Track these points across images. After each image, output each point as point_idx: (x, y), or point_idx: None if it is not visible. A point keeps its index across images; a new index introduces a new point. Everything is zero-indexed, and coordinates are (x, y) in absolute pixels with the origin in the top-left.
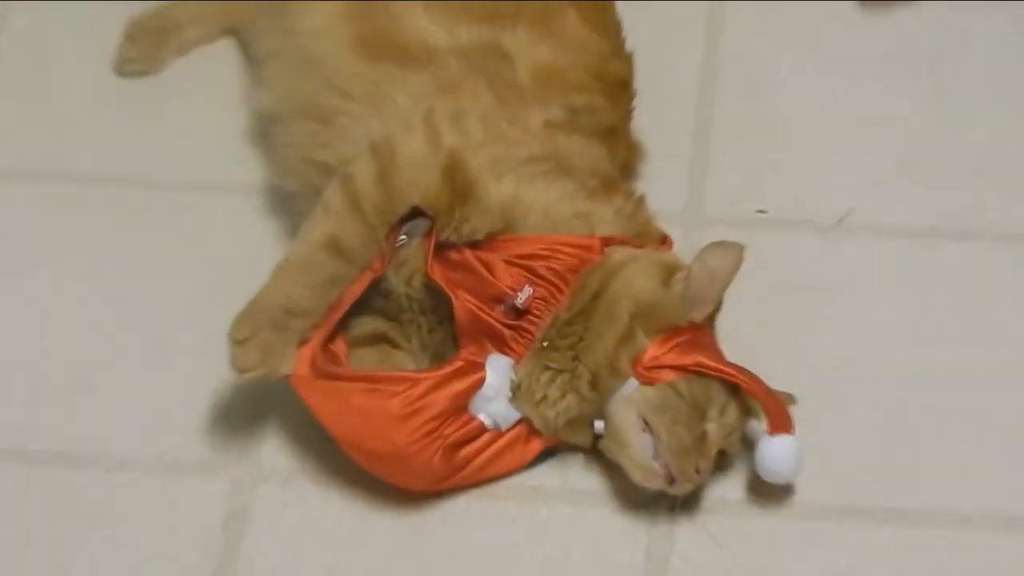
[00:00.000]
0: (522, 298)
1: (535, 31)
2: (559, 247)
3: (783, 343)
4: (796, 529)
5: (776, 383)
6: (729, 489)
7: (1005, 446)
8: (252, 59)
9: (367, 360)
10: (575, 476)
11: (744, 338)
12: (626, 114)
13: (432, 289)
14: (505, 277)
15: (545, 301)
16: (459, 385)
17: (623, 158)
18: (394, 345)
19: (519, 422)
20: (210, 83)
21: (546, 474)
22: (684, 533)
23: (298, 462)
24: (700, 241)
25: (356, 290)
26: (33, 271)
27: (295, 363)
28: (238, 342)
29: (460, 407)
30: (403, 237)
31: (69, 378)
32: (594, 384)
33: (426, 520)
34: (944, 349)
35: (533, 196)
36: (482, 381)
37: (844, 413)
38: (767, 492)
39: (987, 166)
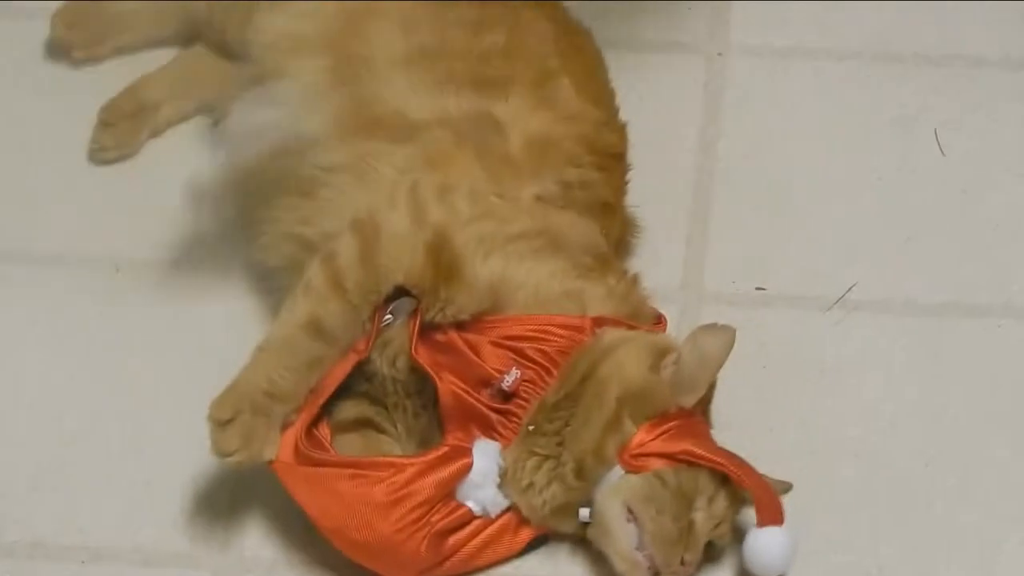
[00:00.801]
0: (509, 381)
1: (528, 100)
2: (549, 328)
3: (784, 426)
4: None
5: (776, 468)
6: None
7: None
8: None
9: (352, 446)
10: (564, 565)
11: (743, 421)
12: (620, 188)
13: (417, 371)
14: (492, 359)
15: (533, 384)
16: (445, 471)
17: (617, 233)
18: (379, 430)
19: (509, 509)
20: (180, 161)
21: (537, 563)
22: None
23: (282, 553)
24: (697, 319)
25: (340, 372)
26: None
27: (278, 448)
28: (219, 425)
29: (447, 494)
30: (388, 317)
31: (41, 466)
32: (579, 471)
33: None
34: (957, 434)
35: (522, 275)
36: (469, 467)
37: (847, 501)
38: None
39: (1003, 237)
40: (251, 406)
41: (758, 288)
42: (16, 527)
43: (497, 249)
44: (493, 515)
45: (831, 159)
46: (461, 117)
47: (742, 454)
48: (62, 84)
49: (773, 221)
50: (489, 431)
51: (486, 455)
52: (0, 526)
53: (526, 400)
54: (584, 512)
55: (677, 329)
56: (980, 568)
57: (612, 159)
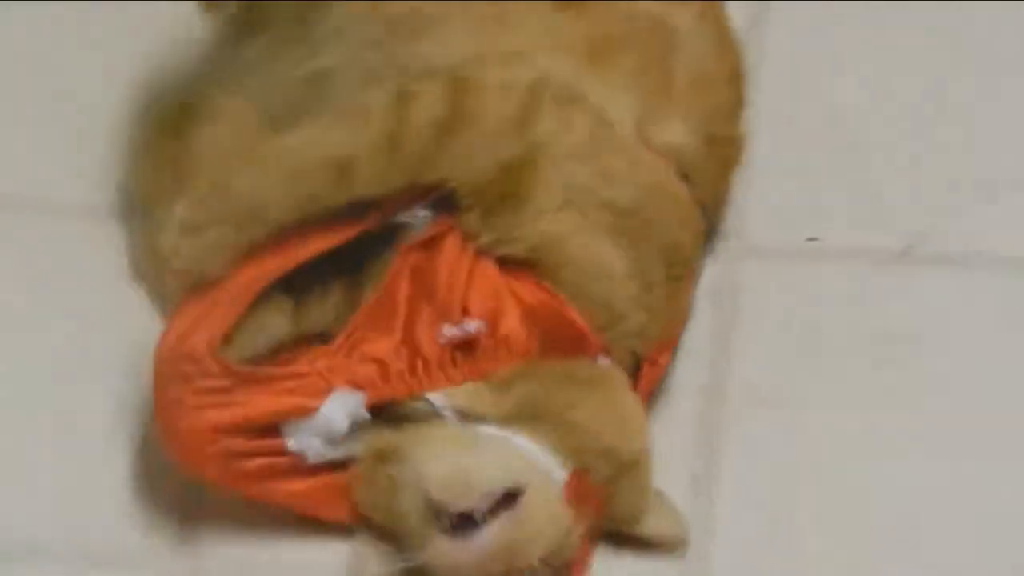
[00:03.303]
0: (470, 328)
1: (701, 15)
2: (562, 314)
3: (842, 404)
4: None
5: (832, 459)
6: None
7: None
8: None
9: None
10: None
11: (793, 397)
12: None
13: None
14: (476, 299)
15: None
16: (286, 403)
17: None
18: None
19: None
20: None
21: None
22: None
23: (244, 551)
24: (740, 276)
25: (328, 243)
26: None
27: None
28: (187, 228)
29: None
30: (424, 214)
31: None
32: None
33: None
34: None
35: (580, 251)
36: (309, 413)
37: (928, 501)
38: None
39: None
40: (232, 217)
41: (810, 239)
42: None
43: (578, 206)
44: (309, 461)
45: (895, 86)
46: (638, 12)
47: (791, 437)
48: None
49: (827, 160)
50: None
51: (341, 408)
52: None
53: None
54: None
55: (718, 288)
56: None
57: (745, 104)
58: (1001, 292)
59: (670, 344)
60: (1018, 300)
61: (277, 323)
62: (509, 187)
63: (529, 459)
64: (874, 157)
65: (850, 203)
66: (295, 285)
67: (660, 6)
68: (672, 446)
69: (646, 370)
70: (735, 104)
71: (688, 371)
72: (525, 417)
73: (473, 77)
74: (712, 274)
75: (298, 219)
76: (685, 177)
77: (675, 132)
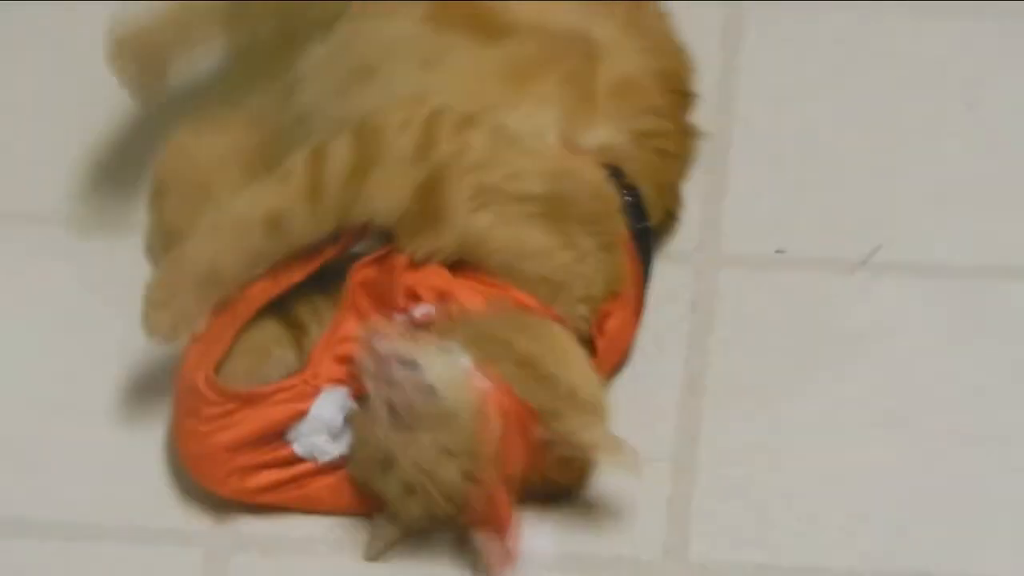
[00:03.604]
0: (420, 311)
1: (621, 23)
2: (506, 295)
3: (808, 396)
4: None
5: (800, 441)
6: None
7: None
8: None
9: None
10: None
11: (764, 390)
12: (688, 133)
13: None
14: (424, 289)
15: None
16: (279, 412)
17: (668, 200)
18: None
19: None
20: None
21: None
22: None
23: (277, 528)
24: (715, 284)
25: (295, 277)
26: None
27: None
28: (154, 306)
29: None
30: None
31: (20, 437)
32: None
33: None
34: (1000, 407)
35: (505, 239)
36: (301, 414)
37: (879, 478)
38: None
39: None
40: (190, 287)
41: (778, 251)
42: None
43: (491, 204)
44: (320, 462)
45: (857, 113)
46: (559, 31)
47: (760, 427)
48: None
49: (795, 177)
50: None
51: (330, 404)
52: None
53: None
54: None
55: (696, 294)
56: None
57: (684, 100)
58: (948, 297)
59: (618, 310)
60: (963, 304)
61: (283, 353)
62: (425, 206)
63: (456, 360)
64: (837, 174)
65: (814, 217)
66: (291, 317)
67: (582, 21)
68: (655, 433)
69: (600, 343)
70: (668, 101)
71: (669, 367)
72: (468, 341)
73: (373, 122)
74: (690, 281)
75: (251, 276)
76: (617, 169)
77: (600, 135)
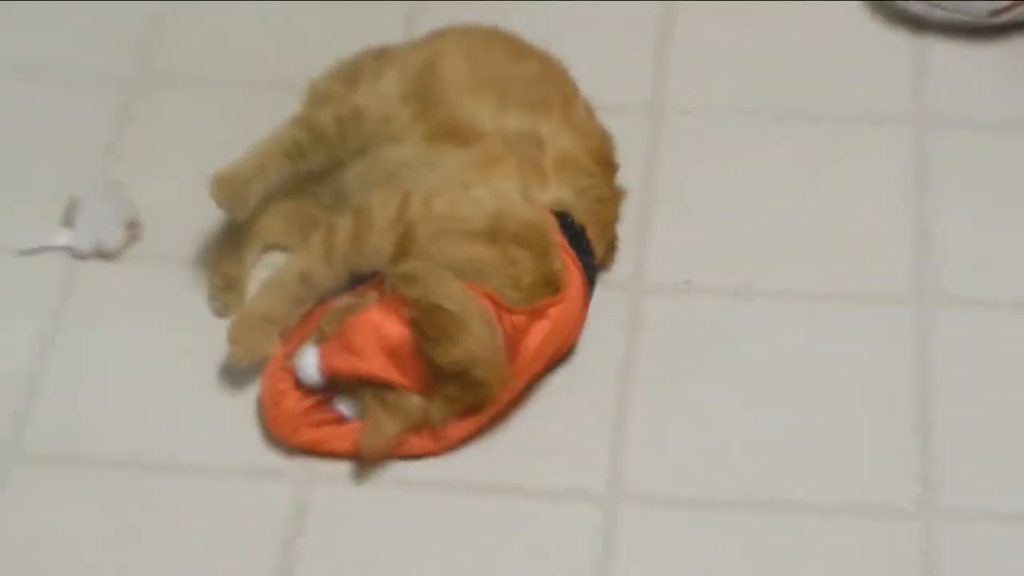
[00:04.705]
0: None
1: (559, 120)
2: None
3: (716, 380)
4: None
5: (713, 411)
6: None
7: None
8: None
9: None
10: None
11: (682, 379)
12: (617, 191)
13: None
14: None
15: None
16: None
17: (609, 237)
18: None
19: None
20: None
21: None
22: None
23: (355, 466)
24: (641, 304)
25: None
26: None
27: (276, 347)
28: (233, 343)
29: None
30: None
31: (132, 385)
32: None
33: (482, 525)
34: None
35: (452, 251)
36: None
37: (762, 426)
38: None
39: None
40: (256, 327)
41: (685, 281)
42: (112, 443)
43: (444, 237)
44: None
45: (761, 170)
46: (515, 132)
47: (682, 406)
48: None
49: (703, 226)
50: None
51: (306, 359)
52: (96, 442)
53: None
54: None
55: (626, 315)
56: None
57: (611, 168)
58: (806, 313)
59: (561, 303)
60: (818, 320)
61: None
62: (402, 250)
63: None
64: (734, 224)
65: (713, 254)
66: None
67: (528, 123)
68: (594, 417)
69: (545, 324)
70: (600, 169)
71: (606, 366)
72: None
73: (365, 203)
74: (622, 306)
75: (297, 314)
76: (566, 214)
77: (551, 193)
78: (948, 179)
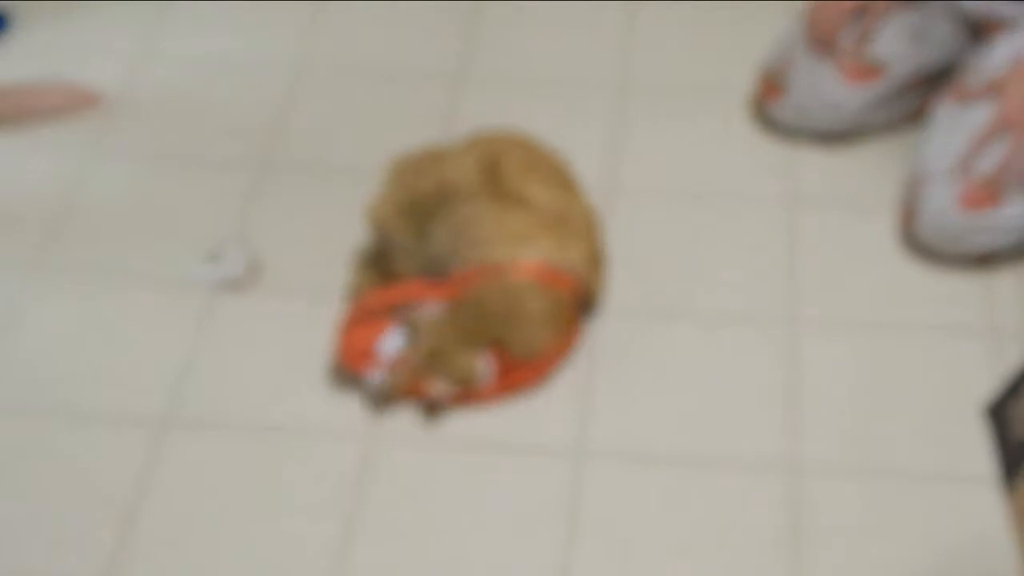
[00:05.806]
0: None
1: (567, 196)
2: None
3: (642, 362)
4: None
5: (657, 386)
6: None
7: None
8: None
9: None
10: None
11: (635, 361)
12: (599, 242)
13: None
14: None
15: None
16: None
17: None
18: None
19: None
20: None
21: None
22: None
23: (415, 427)
24: (605, 328)
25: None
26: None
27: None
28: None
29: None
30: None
31: (220, 352)
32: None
33: (539, 470)
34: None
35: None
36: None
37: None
38: None
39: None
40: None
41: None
42: (197, 405)
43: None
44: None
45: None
46: (551, 208)
47: (636, 379)
48: None
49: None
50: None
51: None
52: (180, 406)
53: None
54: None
55: (592, 337)
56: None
57: (593, 229)
58: (693, 340)
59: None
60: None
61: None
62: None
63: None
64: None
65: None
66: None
67: (559, 202)
68: (568, 394)
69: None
70: (597, 238)
71: (575, 365)
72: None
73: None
74: (592, 331)
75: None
76: (576, 267)
77: (578, 250)
78: None
